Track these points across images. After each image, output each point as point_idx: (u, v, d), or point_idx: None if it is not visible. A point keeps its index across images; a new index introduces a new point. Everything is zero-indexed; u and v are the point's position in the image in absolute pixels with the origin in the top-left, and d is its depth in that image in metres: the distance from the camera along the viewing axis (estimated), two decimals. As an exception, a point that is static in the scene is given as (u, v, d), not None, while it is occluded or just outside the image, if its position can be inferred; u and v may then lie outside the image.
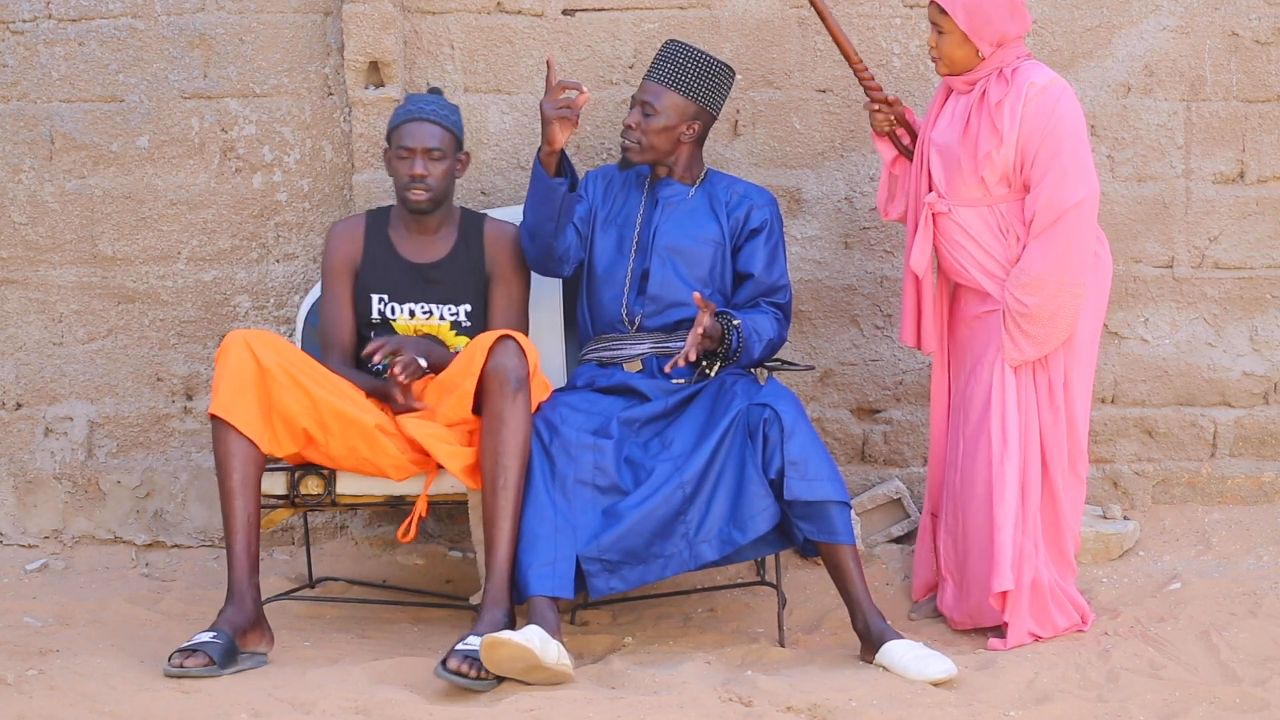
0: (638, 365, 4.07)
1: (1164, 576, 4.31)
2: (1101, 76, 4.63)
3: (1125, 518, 4.62)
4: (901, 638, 3.68)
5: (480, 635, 3.53)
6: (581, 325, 4.23)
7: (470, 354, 3.80)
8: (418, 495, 3.87)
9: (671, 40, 4.18)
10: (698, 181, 4.20)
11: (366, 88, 4.49)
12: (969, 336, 4.01)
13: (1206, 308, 4.69)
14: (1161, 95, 4.64)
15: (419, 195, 4.04)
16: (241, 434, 3.72)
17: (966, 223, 3.91)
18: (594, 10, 4.59)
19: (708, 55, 4.14)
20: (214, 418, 3.74)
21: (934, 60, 3.97)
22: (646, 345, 4.09)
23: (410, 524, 3.84)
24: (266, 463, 3.81)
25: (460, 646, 3.54)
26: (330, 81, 4.61)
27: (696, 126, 4.13)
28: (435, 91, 4.22)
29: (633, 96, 4.14)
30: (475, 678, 3.47)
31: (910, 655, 3.61)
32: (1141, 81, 4.63)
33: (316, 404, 3.79)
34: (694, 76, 4.09)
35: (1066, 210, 3.78)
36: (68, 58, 4.63)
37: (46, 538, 4.69)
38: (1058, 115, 3.81)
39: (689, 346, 3.86)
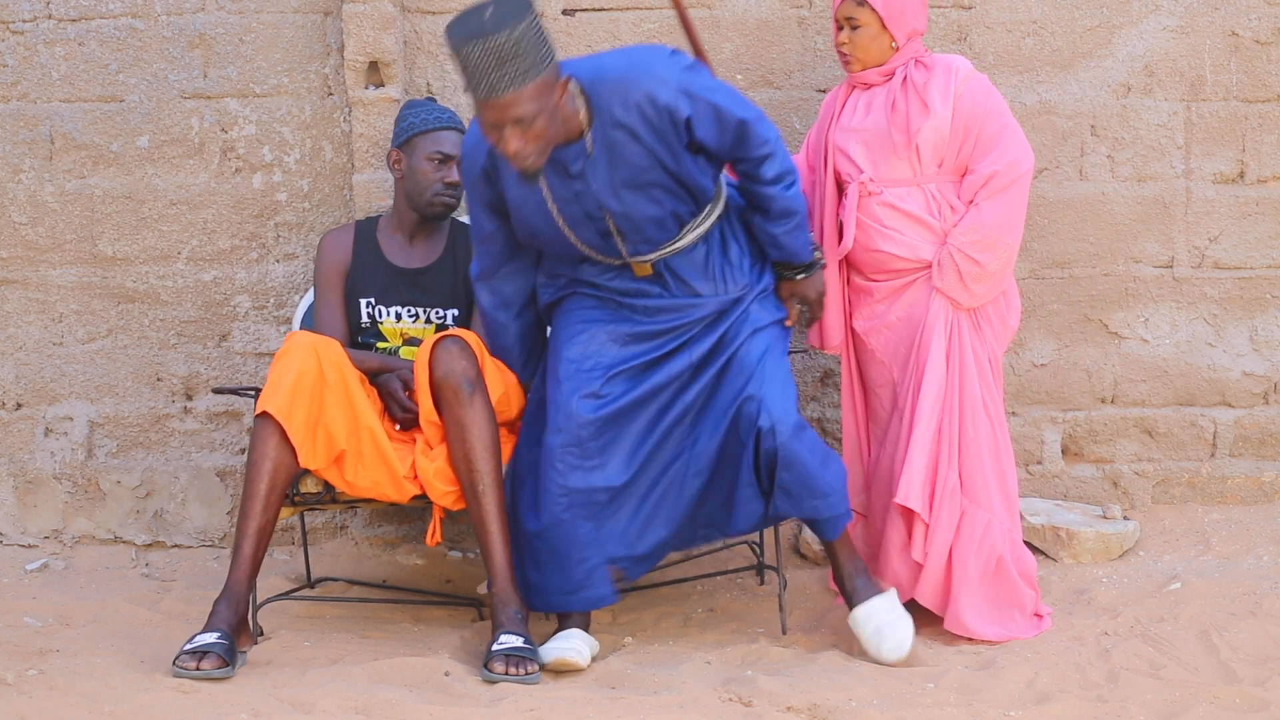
0: (648, 269, 3.77)
1: (1164, 576, 4.31)
2: (1101, 76, 4.63)
3: (1125, 518, 4.62)
4: (872, 597, 3.77)
5: (509, 633, 3.63)
6: (551, 253, 3.86)
7: (417, 367, 3.78)
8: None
9: (457, 43, 3.36)
10: (586, 126, 3.58)
11: (366, 88, 4.49)
12: (893, 340, 4.03)
13: (1206, 308, 4.70)
14: (1161, 95, 4.64)
15: (450, 201, 4.10)
16: (286, 440, 3.68)
17: (899, 199, 3.97)
18: (594, 10, 4.59)
19: (493, 31, 3.31)
20: (264, 415, 3.68)
21: (845, 59, 4.04)
22: (652, 255, 3.76)
23: (434, 529, 3.86)
24: (298, 474, 3.78)
25: (497, 648, 3.59)
26: (330, 81, 4.61)
27: (561, 86, 3.46)
28: (430, 99, 4.25)
29: (487, 125, 3.44)
30: (524, 674, 3.55)
31: (871, 626, 3.74)
32: (1141, 81, 4.64)
33: (359, 429, 3.76)
34: (516, 60, 3.33)
35: (1023, 174, 3.96)
36: (68, 58, 4.63)
37: (46, 538, 4.70)
38: (994, 94, 4.01)
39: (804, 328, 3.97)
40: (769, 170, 3.70)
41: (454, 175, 4.09)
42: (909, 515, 3.92)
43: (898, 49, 4.00)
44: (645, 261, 3.76)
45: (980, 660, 3.74)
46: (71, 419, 4.70)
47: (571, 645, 3.66)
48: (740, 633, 4.04)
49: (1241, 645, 3.73)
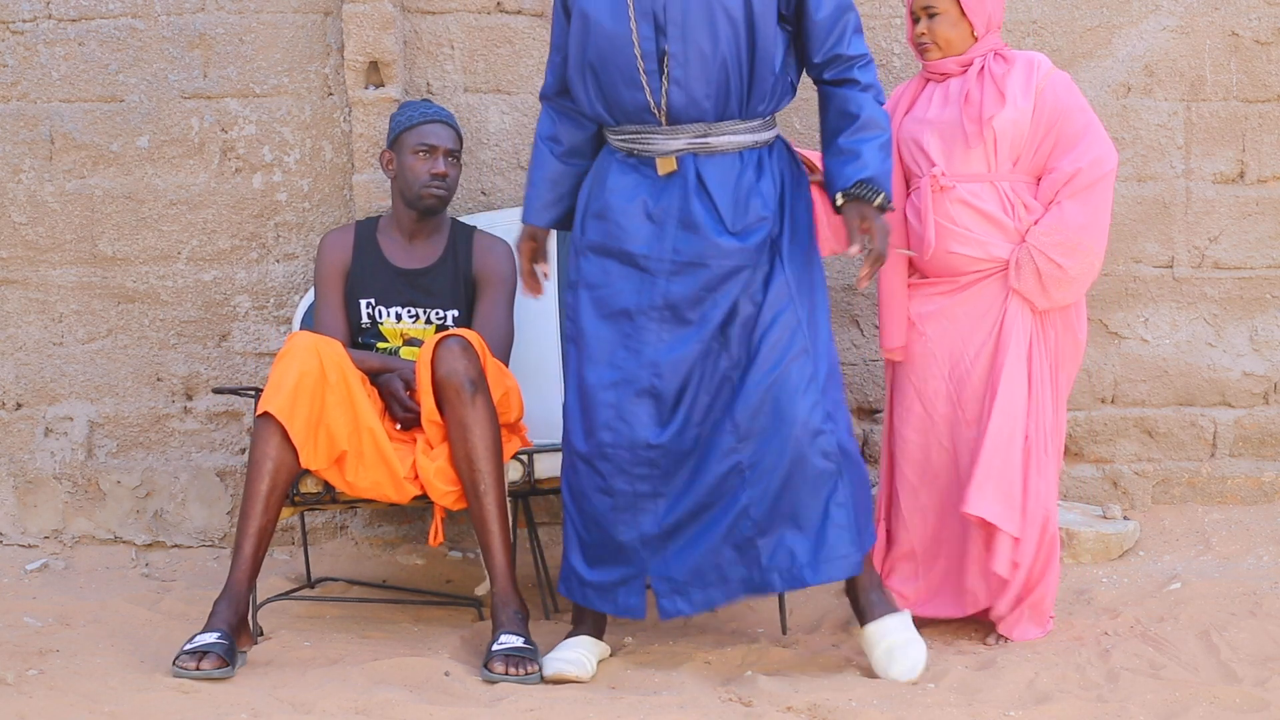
0: (672, 164, 3.54)
1: (1164, 576, 4.31)
2: (1101, 76, 4.63)
3: (1125, 518, 4.62)
4: (886, 615, 3.61)
5: (509, 633, 3.63)
6: (591, 111, 3.65)
7: (420, 367, 3.78)
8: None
9: None
10: None
11: (366, 88, 4.49)
12: (952, 331, 3.88)
13: (1206, 308, 4.70)
14: (1161, 95, 4.64)
15: (439, 193, 4.09)
16: (288, 440, 3.67)
17: (974, 195, 3.83)
18: (594, 10, 4.58)
19: None
20: (265, 416, 3.67)
21: (924, 48, 3.91)
22: (683, 141, 3.55)
23: (435, 529, 3.86)
24: (299, 474, 3.77)
25: (497, 648, 3.59)
26: (330, 81, 4.61)
27: None
28: (427, 99, 4.26)
29: None
30: (524, 674, 3.54)
31: (882, 646, 3.58)
32: (1141, 81, 4.64)
33: (360, 429, 3.76)
34: None
35: (1107, 173, 3.81)
36: (68, 58, 4.63)
37: (46, 538, 4.70)
38: (1075, 91, 3.87)
39: (864, 278, 3.51)
40: (865, 76, 3.55)
41: (440, 166, 4.09)
42: (989, 525, 3.77)
43: (977, 39, 3.87)
44: (672, 151, 3.52)
45: (980, 660, 3.74)
46: (71, 419, 4.70)
47: (573, 657, 3.61)
48: (740, 633, 4.03)
49: (1241, 645, 3.73)
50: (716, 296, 3.53)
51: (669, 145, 3.54)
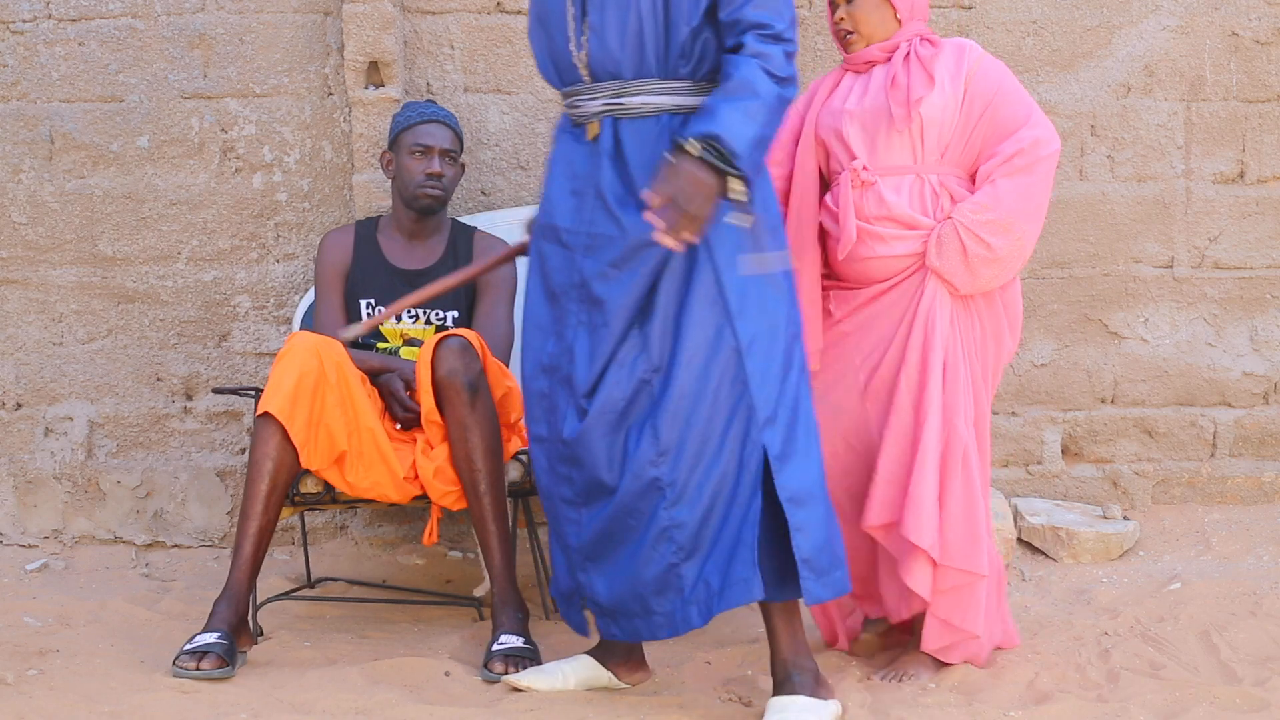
0: (597, 128, 3.24)
1: (1164, 576, 4.31)
2: (1101, 76, 4.63)
3: (1125, 518, 4.62)
4: (795, 694, 3.18)
5: (509, 633, 3.64)
6: (545, 75, 3.38)
7: (420, 367, 3.77)
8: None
9: None
10: None
11: (366, 88, 4.49)
12: (868, 318, 3.60)
13: (1206, 308, 4.70)
14: (1161, 95, 4.64)
15: (434, 192, 4.09)
16: (288, 440, 3.66)
17: (894, 190, 3.55)
18: (594, 10, 4.59)
19: None
20: (265, 416, 3.66)
21: (845, 37, 3.66)
22: (601, 101, 3.24)
23: (431, 528, 3.86)
24: (299, 474, 3.77)
25: (497, 648, 3.59)
26: (330, 81, 4.62)
27: None
28: (430, 100, 4.27)
29: None
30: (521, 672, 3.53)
31: (783, 717, 3.14)
32: (1141, 81, 4.64)
33: (360, 429, 3.76)
34: None
35: (1048, 155, 3.52)
36: (68, 58, 4.63)
37: (46, 538, 4.70)
38: (1009, 76, 3.60)
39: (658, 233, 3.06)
40: (760, 45, 3.13)
41: (435, 166, 4.10)
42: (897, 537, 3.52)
43: (901, 24, 3.62)
44: (594, 114, 3.23)
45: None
46: (71, 419, 4.70)
47: (548, 671, 3.47)
48: (740, 633, 4.03)
49: (1241, 645, 3.73)
50: (623, 274, 3.17)
51: (591, 106, 3.25)
